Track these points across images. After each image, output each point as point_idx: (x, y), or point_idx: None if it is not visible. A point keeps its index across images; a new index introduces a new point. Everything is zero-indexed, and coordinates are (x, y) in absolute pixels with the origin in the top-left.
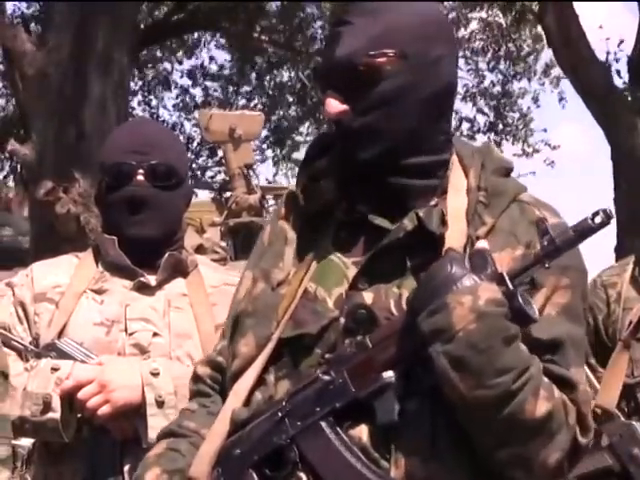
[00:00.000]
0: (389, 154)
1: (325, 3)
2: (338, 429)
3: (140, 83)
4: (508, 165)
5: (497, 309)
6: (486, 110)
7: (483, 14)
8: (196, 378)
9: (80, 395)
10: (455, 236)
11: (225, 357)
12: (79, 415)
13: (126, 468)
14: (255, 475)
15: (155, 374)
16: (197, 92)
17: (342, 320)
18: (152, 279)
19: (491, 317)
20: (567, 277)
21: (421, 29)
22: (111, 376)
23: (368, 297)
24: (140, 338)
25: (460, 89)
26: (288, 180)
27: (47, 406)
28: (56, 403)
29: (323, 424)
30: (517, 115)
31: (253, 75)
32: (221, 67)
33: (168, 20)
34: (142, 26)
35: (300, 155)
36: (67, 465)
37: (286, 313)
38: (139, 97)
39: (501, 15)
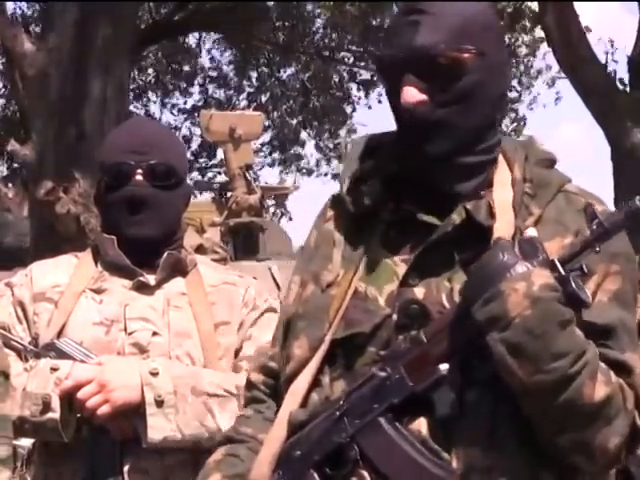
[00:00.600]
0: (455, 151)
1: (324, 2)
2: (397, 424)
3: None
4: (551, 157)
5: (551, 294)
6: None
7: None
8: (250, 385)
9: (79, 395)
10: (503, 227)
11: (278, 363)
12: (78, 415)
13: (126, 468)
14: (316, 475)
15: (154, 374)
16: (197, 92)
17: (394, 317)
18: (151, 279)
19: (545, 302)
20: (617, 264)
21: (495, 29)
22: (110, 376)
23: (419, 292)
24: (139, 337)
25: None
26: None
27: (46, 406)
28: (55, 403)
29: (382, 420)
30: (512, 118)
31: (254, 75)
32: (219, 67)
33: (168, 20)
34: (142, 26)
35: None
36: (67, 465)
37: (337, 314)
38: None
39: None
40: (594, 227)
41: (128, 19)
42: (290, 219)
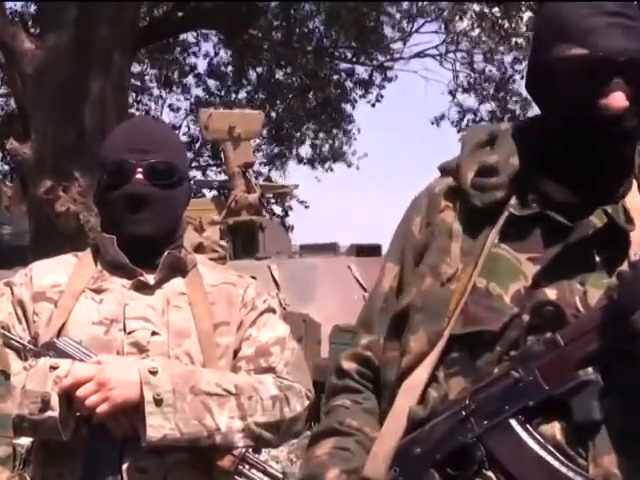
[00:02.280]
0: (622, 160)
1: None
2: (529, 427)
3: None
4: None
5: None
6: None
7: (476, 7)
8: (342, 373)
9: (79, 393)
10: (638, 234)
11: (375, 352)
12: (78, 414)
13: (124, 467)
14: (437, 475)
15: (153, 372)
16: (198, 92)
17: (525, 317)
18: (151, 278)
19: None
20: None
21: None
22: (110, 374)
23: (551, 294)
24: (139, 337)
25: (463, 80)
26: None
27: (46, 404)
28: (55, 401)
29: (513, 422)
30: (518, 100)
31: (253, 74)
32: (216, 65)
33: (167, 19)
34: (141, 25)
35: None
36: (66, 464)
37: (457, 309)
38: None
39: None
40: None
41: (127, 18)
42: (287, 214)
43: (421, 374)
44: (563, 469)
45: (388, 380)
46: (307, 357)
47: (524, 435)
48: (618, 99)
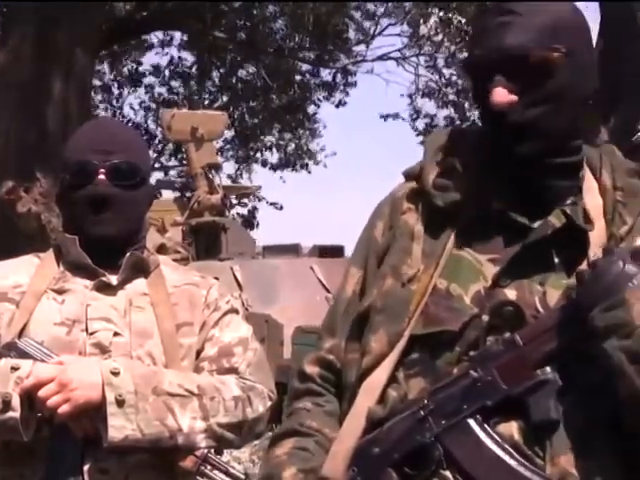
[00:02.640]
0: (545, 152)
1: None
2: (486, 426)
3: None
4: (635, 167)
5: None
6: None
7: (440, 13)
8: (304, 377)
9: (40, 394)
10: (598, 234)
11: (337, 355)
12: (39, 414)
13: (86, 468)
14: (395, 474)
15: (115, 373)
16: (162, 91)
17: (484, 317)
18: (113, 279)
19: None
20: None
21: (584, 30)
22: (71, 375)
23: (511, 294)
24: (101, 338)
25: (421, 86)
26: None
27: (7, 405)
28: (16, 402)
29: (471, 422)
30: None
31: (216, 74)
32: (181, 66)
33: (131, 19)
34: (105, 26)
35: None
36: (27, 465)
37: (417, 309)
38: (100, 96)
39: (457, 13)
40: None
41: (90, 19)
42: (254, 218)
43: (381, 374)
44: (520, 468)
45: (349, 381)
46: (270, 358)
47: (482, 435)
48: (499, 94)
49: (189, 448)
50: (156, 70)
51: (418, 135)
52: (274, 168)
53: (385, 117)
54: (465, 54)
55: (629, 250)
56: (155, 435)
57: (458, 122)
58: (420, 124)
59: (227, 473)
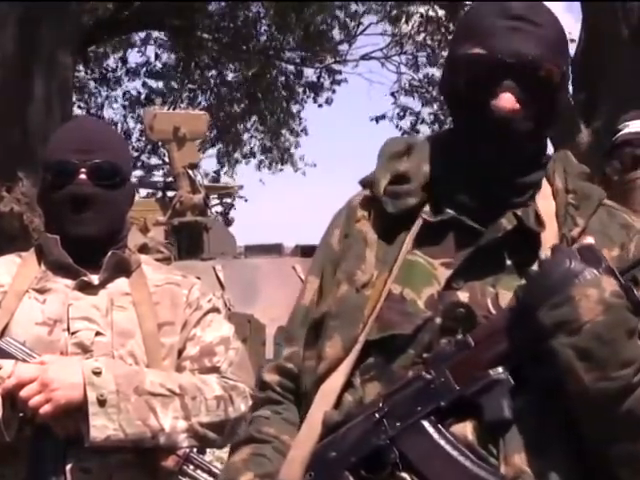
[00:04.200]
0: (522, 163)
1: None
2: (441, 427)
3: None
4: (588, 171)
5: (621, 301)
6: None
7: (422, 10)
8: (264, 385)
9: (22, 394)
10: (550, 236)
11: (296, 363)
12: (21, 414)
13: (68, 468)
14: (351, 478)
15: (97, 373)
16: (141, 89)
17: (437, 320)
18: (95, 278)
19: (617, 309)
20: None
21: (567, 48)
22: (53, 375)
23: (463, 296)
24: (83, 337)
25: (405, 83)
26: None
27: None
28: None
29: (425, 423)
30: None
31: (197, 73)
32: (165, 65)
33: (113, 19)
34: (87, 25)
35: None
36: (9, 465)
37: (372, 315)
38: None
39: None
40: None
41: (72, 18)
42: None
43: (337, 379)
44: (474, 468)
45: (306, 388)
46: (251, 358)
47: (436, 436)
48: (506, 100)
49: (171, 448)
50: (136, 69)
51: (403, 135)
52: (258, 166)
53: (376, 119)
54: (446, 50)
55: (576, 248)
56: (137, 435)
57: (443, 119)
58: (405, 123)
59: (209, 472)
